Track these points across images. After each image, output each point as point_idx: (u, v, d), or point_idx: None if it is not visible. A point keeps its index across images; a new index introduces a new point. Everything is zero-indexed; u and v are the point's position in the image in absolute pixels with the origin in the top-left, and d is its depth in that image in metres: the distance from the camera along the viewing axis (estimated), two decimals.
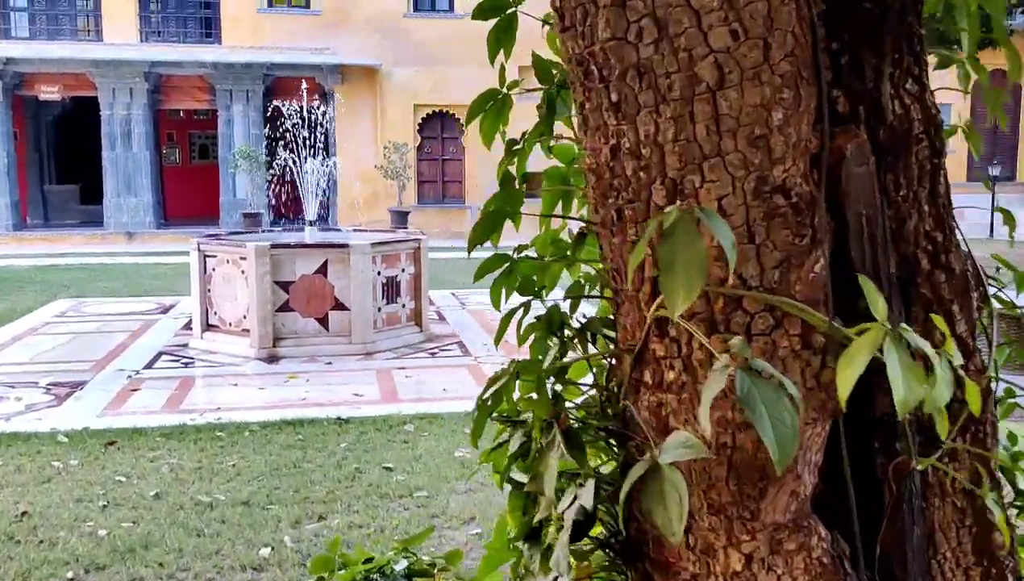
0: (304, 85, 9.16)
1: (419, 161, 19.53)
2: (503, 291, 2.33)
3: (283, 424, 5.33)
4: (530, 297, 2.11)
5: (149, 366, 6.99)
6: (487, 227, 2.21)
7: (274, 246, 7.27)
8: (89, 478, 4.46)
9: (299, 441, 5.04)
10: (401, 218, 17.25)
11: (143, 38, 18.84)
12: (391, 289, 7.68)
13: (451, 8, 19.64)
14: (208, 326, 7.67)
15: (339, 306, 7.38)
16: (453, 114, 19.70)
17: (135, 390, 6.20)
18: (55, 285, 11.69)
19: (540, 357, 2.23)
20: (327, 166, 8.64)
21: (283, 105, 8.73)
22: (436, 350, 7.57)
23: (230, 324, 7.52)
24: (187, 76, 18.68)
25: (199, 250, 7.61)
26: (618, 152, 1.74)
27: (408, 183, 18.44)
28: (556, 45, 2.22)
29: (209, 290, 7.63)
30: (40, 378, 6.53)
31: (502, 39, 2.13)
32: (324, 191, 8.56)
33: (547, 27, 2.23)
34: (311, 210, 8.30)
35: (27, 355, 7.41)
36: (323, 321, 7.39)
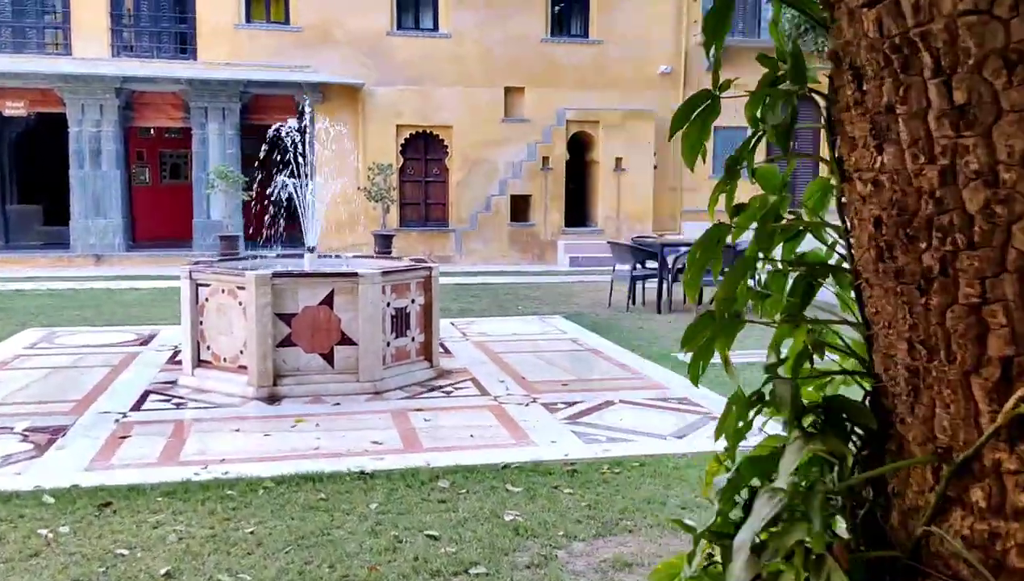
0: (305, 104, 8.58)
1: (402, 183, 18.95)
2: (701, 364, 1.80)
3: (300, 480, 4.71)
4: (770, 376, 1.57)
5: (137, 407, 6.31)
6: (700, 273, 1.67)
7: (276, 275, 6.66)
8: (84, 551, 3.81)
9: (322, 501, 4.43)
10: (385, 242, 16.63)
11: (114, 53, 18.08)
12: (400, 321, 7.09)
13: (435, 27, 19.15)
14: (200, 362, 7.02)
15: (346, 340, 6.77)
16: (437, 135, 19.18)
17: (125, 437, 5.54)
18: (22, 313, 10.91)
19: (760, 450, 1.72)
20: (326, 187, 8.04)
21: (278, 125, 8.14)
22: (450, 388, 6.98)
23: (224, 360, 6.88)
24: (160, 93, 17.95)
25: (191, 278, 6.96)
26: (953, 176, 1.21)
27: (392, 205, 17.84)
28: (777, 33, 1.70)
29: (201, 322, 6.98)
30: (15, 422, 5.83)
31: (720, 22, 1.60)
32: (318, 214, 7.93)
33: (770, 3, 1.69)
34: (312, 235, 7.69)
35: None
36: (328, 357, 6.77)
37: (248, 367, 6.64)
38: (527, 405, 6.44)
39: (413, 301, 7.23)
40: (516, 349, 8.72)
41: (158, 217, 20.23)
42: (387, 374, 6.91)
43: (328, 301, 6.74)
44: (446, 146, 19.26)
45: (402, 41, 18.85)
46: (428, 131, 19.14)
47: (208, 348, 6.97)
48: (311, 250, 7.63)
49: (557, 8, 19.55)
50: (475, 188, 19.22)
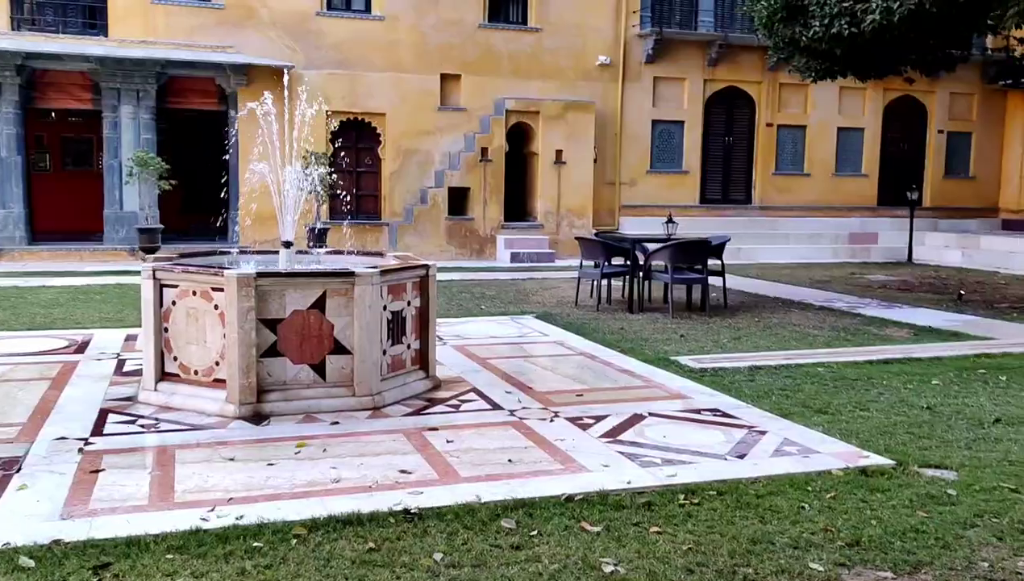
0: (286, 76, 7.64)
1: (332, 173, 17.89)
2: None
3: (336, 524, 3.91)
4: None
5: (98, 432, 5.34)
6: None
7: (260, 275, 5.77)
8: None
9: (373, 552, 3.65)
10: (320, 236, 15.63)
11: (15, 26, 16.44)
12: (396, 327, 6.31)
13: (367, 8, 18.16)
14: (164, 374, 6.07)
15: (339, 349, 5.95)
16: (369, 123, 18.21)
17: (97, 471, 4.60)
18: None
19: None
20: (313, 176, 7.17)
21: (253, 105, 7.23)
22: (456, 402, 6.23)
23: (196, 373, 5.95)
24: (67, 72, 16.42)
25: (154, 278, 6.00)
26: None
27: (326, 197, 16.80)
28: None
29: (166, 329, 6.03)
30: None
31: None
32: (317, 201, 7.05)
33: None
34: (288, 229, 6.80)
35: None
36: (319, 368, 5.93)
37: (227, 381, 5.74)
38: (551, 420, 5.76)
39: (409, 303, 6.45)
40: (504, 354, 8.02)
41: (61, 207, 18.63)
42: (384, 387, 6.12)
43: (319, 304, 5.89)
44: (379, 135, 18.32)
45: (332, 22, 17.80)
46: (359, 118, 18.15)
47: (175, 359, 6.02)
48: (288, 245, 6.75)
49: None
50: (410, 180, 18.36)
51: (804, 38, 10.53)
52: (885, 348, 8.79)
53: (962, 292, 13.36)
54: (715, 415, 5.97)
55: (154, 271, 6.01)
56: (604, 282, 11.33)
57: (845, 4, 9.94)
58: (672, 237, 11.78)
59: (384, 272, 6.09)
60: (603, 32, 19.49)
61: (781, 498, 4.39)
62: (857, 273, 17.11)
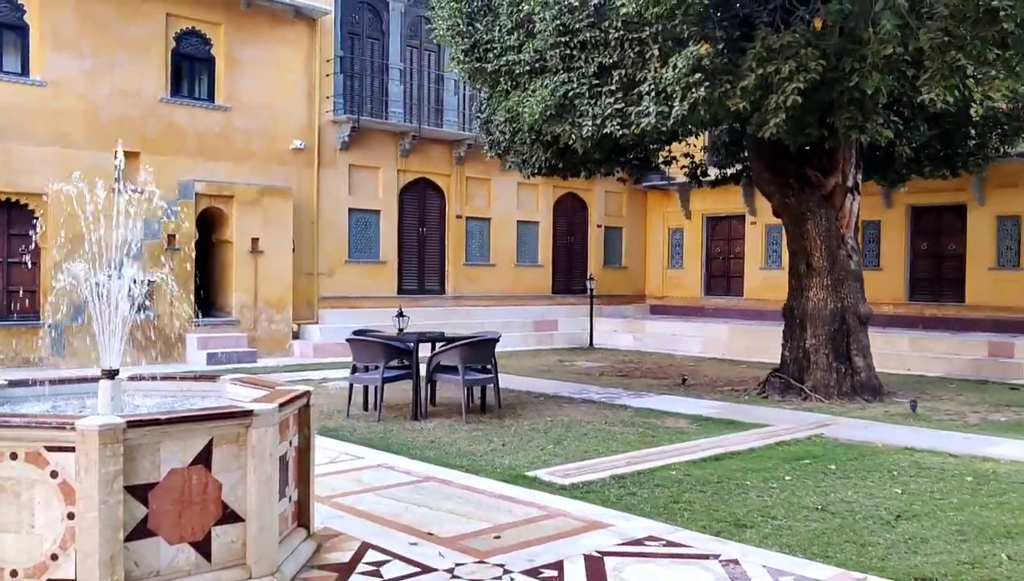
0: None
1: None
2: None
3: None
4: None
5: None
6: None
7: (131, 424, 4.11)
8: None
9: None
10: None
11: None
12: (282, 476, 4.90)
13: (24, 71, 15.37)
14: None
15: (228, 516, 4.43)
16: (26, 205, 15.26)
17: None
18: None
19: None
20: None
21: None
22: (368, 567, 4.92)
23: (14, 574, 4.06)
24: None
25: None
26: None
27: None
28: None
29: None
30: None
31: None
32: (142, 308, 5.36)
33: None
34: (113, 353, 5.05)
35: None
36: (203, 545, 4.35)
37: None
38: (508, 579, 4.76)
39: (291, 444, 5.07)
40: (344, 489, 6.73)
41: None
42: (280, 557, 4.68)
43: (204, 458, 4.36)
44: (37, 219, 15.40)
45: None
46: (14, 199, 15.14)
47: None
48: (112, 375, 5.03)
49: (178, 65, 16.89)
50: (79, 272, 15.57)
51: (574, 136, 10.63)
52: (697, 444, 8.85)
53: (685, 377, 14.26)
54: (662, 545, 5.37)
55: None
56: (373, 388, 10.25)
57: (617, 107, 10.21)
58: (466, 335, 11.06)
59: (283, 405, 4.71)
60: (297, 116, 18.45)
61: None
62: (565, 361, 17.65)
